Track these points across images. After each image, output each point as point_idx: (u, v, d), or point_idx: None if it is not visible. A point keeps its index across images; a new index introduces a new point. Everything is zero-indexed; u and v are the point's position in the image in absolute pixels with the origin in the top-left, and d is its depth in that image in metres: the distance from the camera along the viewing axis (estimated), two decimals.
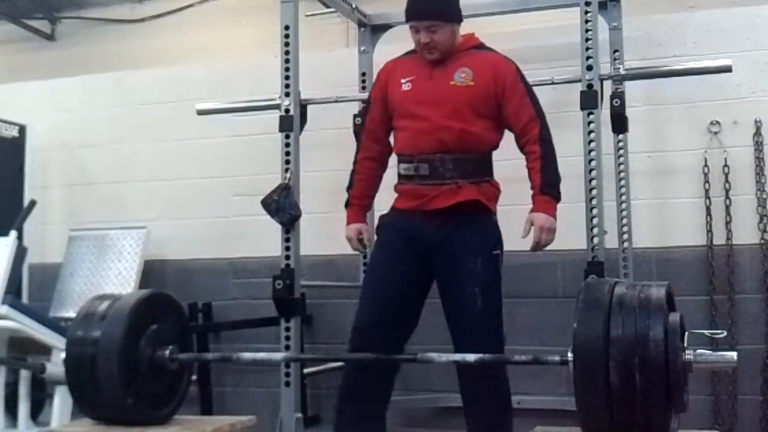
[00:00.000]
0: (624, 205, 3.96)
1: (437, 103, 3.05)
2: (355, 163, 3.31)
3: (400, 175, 3.18)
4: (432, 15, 3.07)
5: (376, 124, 3.26)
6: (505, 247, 4.23)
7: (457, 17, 3.14)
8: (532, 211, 3.04)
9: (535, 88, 4.03)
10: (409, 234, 3.08)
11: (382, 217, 3.24)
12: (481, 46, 3.20)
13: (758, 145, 4.00)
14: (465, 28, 4.47)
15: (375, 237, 3.25)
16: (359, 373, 3.07)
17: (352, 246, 3.30)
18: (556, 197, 3.04)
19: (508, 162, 4.29)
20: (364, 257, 3.84)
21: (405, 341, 3.13)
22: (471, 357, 2.73)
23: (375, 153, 3.28)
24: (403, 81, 3.14)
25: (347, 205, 3.31)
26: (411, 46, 4.52)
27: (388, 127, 3.25)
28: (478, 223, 3.08)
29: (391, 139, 3.28)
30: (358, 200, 3.30)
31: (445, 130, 3.03)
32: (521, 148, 3.12)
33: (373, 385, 3.06)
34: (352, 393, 3.08)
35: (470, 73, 3.06)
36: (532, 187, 3.06)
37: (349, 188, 3.30)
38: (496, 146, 3.18)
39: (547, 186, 3.02)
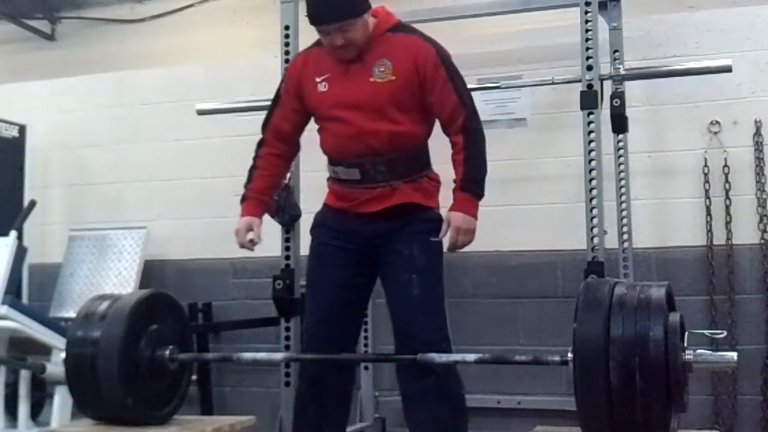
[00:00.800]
0: (624, 205, 3.96)
1: (358, 105, 2.83)
2: (256, 158, 3.05)
3: (330, 176, 3.03)
4: (342, 15, 2.75)
5: (286, 122, 3.02)
6: (504, 247, 4.28)
7: (366, 5, 2.81)
8: (451, 209, 2.82)
9: (535, 88, 4.07)
10: (344, 233, 2.94)
11: (316, 216, 3.07)
12: (397, 27, 2.91)
13: (758, 145, 4.00)
14: (465, 28, 4.50)
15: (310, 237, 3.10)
16: (312, 392, 2.96)
17: (238, 241, 2.99)
18: (478, 194, 2.82)
19: (507, 162, 4.33)
20: None
21: (356, 341, 3.10)
22: (471, 357, 2.72)
23: (281, 151, 3.06)
24: (318, 80, 2.89)
25: (243, 199, 3.03)
26: None
27: (299, 126, 3.04)
28: (417, 218, 2.89)
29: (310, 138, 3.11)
30: (258, 194, 3.03)
31: (371, 135, 2.82)
32: (447, 137, 2.90)
33: (328, 404, 2.95)
34: (307, 412, 2.98)
35: (389, 66, 2.80)
36: (454, 181, 2.83)
37: (247, 184, 3.04)
38: (429, 135, 2.98)
39: (467, 182, 2.79)
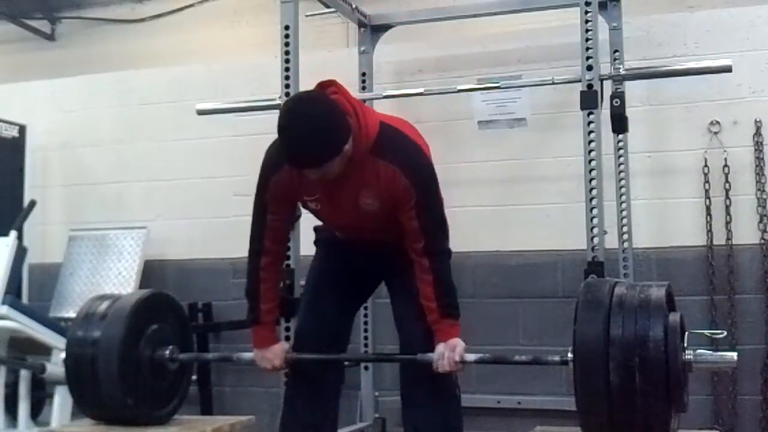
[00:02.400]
0: (624, 205, 3.96)
1: (354, 225, 2.85)
2: (257, 269, 2.87)
3: None
4: (317, 162, 2.57)
5: (281, 223, 2.88)
6: (504, 247, 4.29)
7: (345, 141, 2.58)
8: (442, 338, 2.73)
9: (535, 88, 4.07)
10: (351, 245, 2.97)
11: (319, 230, 3.09)
12: (376, 149, 2.68)
13: (758, 145, 4.00)
14: (465, 28, 4.50)
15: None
16: (301, 396, 2.96)
17: (269, 370, 2.96)
18: (456, 315, 2.76)
19: (507, 162, 4.33)
20: None
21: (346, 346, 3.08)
22: (471, 357, 2.72)
23: (280, 255, 2.97)
24: (308, 199, 2.82)
25: (255, 322, 2.91)
26: (411, 47, 4.58)
27: (292, 221, 3.03)
28: None
29: None
30: (270, 315, 2.92)
31: (372, 242, 2.90)
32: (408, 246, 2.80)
33: (317, 405, 2.95)
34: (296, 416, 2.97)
35: (373, 198, 2.72)
36: (428, 305, 2.74)
37: (253, 300, 2.89)
38: None
39: (444, 308, 2.73)
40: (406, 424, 2.90)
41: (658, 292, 2.40)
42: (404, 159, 2.70)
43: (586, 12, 3.41)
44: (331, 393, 3.00)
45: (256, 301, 2.89)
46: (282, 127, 2.57)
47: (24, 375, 4.09)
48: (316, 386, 2.94)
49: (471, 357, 2.73)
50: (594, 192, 3.32)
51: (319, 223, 3.08)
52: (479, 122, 4.24)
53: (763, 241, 3.96)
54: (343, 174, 2.66)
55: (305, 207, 2.90)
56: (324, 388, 2.96)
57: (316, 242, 3.12)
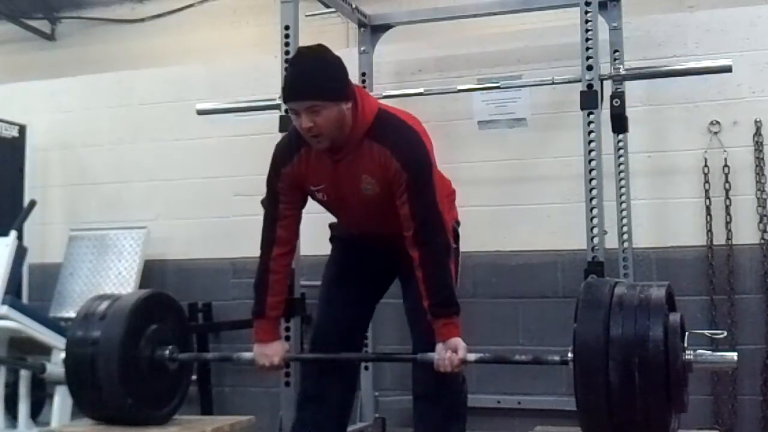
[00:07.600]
0: (624, 205, 3.96)
1: (361, 215, 2.88)
2: (268, 260, 2.88)
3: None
4: (313, 94, 2.62)
5: (294, 212, 2.91)
6: (504, 247, 4.29)
7: (344, 95, 2.66)
8: (441, 339, 2.70)
9: (535, 88, 4.08)
10: (365, 243, 2.99)
11: (333, 227, 3.12)
12: (372, 132, 2.74)
13: (758, 145, 4.00)
14: (465, 28, 4.50)
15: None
16: (314, 401, 2.98)
17: (262, 372, 2.98)
18: (452, 312, 2.71)
19: (507, 162, 4.33)
20: None
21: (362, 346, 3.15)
22: (471, 356, 2.72)
23: (292, 247, 2.96)
24: (314, 189, 2.85)
25: (259, 314, 2.92)
26: (411, 47, 4.58)
27: (302, 208, 2.98)
28: None
29: None
30: (275, 310, 2.93)
31: (382, 235, 2.89)
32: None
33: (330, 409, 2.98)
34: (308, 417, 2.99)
35: (374, 182, 2.75)
36: (424, 300, 2.73)
37: (260, 292, 2.91)
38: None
39: (437, 307, 2.70)
40: (414, 416, 2.94)
41: (658, 292, 2.40)
42: (397, 141, 2.73)
43: (586, 12, 3.42)
44: (341, 409, 3.02)
45: (264, 293, 2.90)
46: (291, 62, 2.74)
47: (24, 375, 4.09)
48: (324, 400, 2.96)
49: (471, 357, 2.73)
50: (594, 192, 3.33)
51: (333, 220, 3.10)
52: (479, 122, 4.25)
53: (763, 241, 3.96)
54: (342, 151, 2.72)
55: (314, 198, 2.92)
56: (333, 405, 2.98)
57: (331, 239, 3.15)
